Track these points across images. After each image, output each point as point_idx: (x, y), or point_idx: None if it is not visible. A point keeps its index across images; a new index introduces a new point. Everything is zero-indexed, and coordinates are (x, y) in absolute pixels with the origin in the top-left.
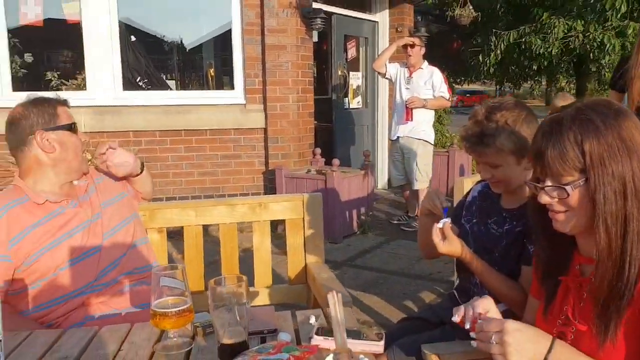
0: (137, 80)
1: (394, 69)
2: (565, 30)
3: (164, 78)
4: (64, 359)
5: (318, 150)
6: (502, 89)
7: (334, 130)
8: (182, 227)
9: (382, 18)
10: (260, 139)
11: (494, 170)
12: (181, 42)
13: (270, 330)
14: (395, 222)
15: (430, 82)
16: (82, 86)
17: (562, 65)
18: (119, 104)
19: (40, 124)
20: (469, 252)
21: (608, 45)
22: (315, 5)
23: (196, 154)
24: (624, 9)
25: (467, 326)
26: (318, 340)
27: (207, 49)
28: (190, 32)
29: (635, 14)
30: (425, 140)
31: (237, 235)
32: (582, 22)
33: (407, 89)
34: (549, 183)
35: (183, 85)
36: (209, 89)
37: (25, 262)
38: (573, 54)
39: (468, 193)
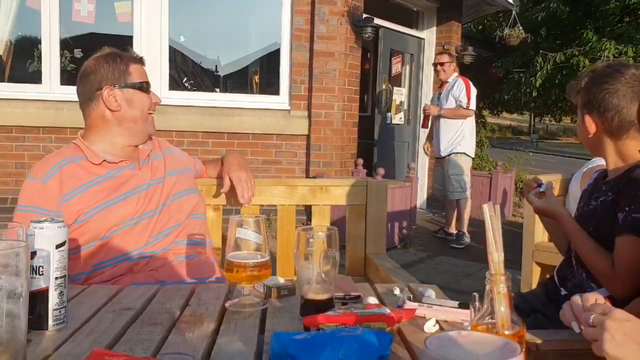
0: (183, 80)
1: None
2: (616, 54)
3: (210, 81)
4: (127, 310)
5: (360, 161)
6: (542, 120)
7: (375, 145)
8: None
9: (428, 35)
10: (302, 145)
11: None
12: (228, 45)
13: (354, 296)
14: (440, 235)
15: (453, 94)
16: None
17: None
18: (164, 103)
19: (110, 80)
20: (564, 211)
21: None
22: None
23: None
24: None
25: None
26: (413, 305)
27: (254, 54)
28: (238, 37)
29: None
30: (457, 152)
31: (295, 218)
32: (634, 48)
33: (437, 104)
34: None
35: (227, 89)
36: (253, 94)
37: (77, 221)
38: None
39: None
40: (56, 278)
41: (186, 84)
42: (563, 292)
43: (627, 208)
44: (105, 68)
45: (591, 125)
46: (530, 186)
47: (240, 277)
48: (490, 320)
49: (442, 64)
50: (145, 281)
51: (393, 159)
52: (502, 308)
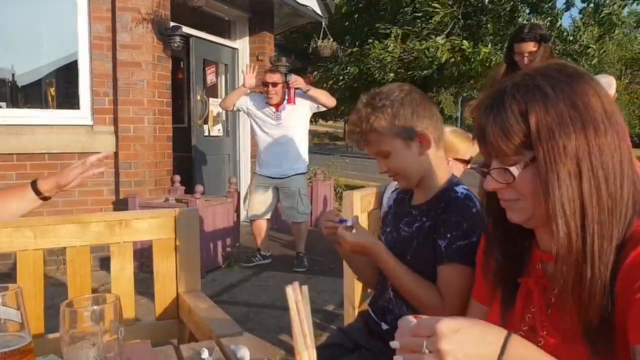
0: None
1: (251, 101)
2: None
3: None
4: None
5: (177, 178)
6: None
7: (193, 159)
8: (14, 253)
9: (242, 45)
10: (109, 164)
11: (387, 160)
12: (18, 56)
13: None
14: (252, 264)
15: (309, 105)
16: None
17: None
18: None
19: None
20: (380, 246)
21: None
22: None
23: None
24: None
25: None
26: None
27: (48, 65)
28: (30, 45)
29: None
30: (305, 172)
31: (90, 262)
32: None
33: (279, 124)
34: (494, 165)
35: (17, 104)
36: (48, 108)
37: None
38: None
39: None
40: None
41: None
42: (384, 326)
43: (448, 235)
44: None
45: (418, 147)
46: (332, 220)
47: None
48: None
49: (275, 85)
50: None
51: (213, 173)
52: None
